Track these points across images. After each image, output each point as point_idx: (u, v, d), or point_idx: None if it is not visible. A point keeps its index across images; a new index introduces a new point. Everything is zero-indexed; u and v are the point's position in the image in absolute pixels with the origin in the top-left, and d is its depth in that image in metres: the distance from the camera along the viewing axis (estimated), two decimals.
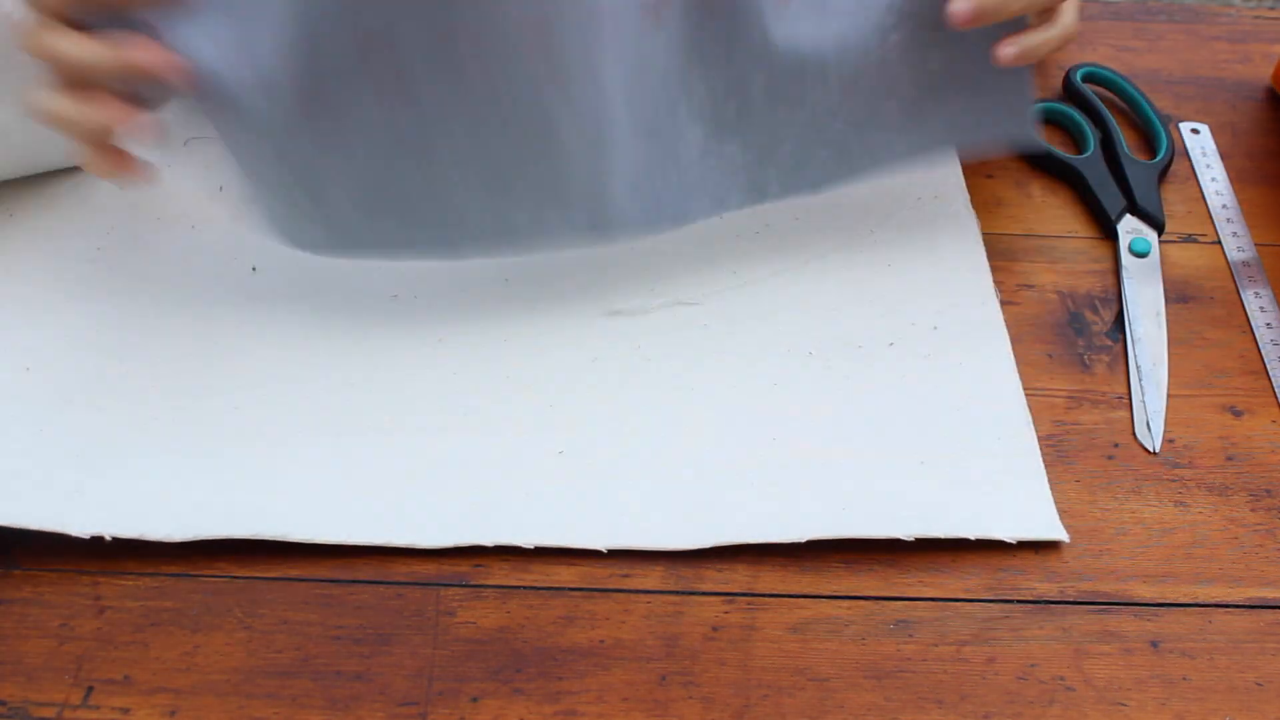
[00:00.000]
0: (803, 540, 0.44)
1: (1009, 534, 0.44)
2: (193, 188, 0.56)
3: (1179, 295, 0.54)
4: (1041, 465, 0.47)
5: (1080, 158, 0.59)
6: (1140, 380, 0.50)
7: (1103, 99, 0.62)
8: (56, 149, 0.54)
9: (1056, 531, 0.45)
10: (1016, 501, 0.45)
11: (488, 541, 0.44)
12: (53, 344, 0.49)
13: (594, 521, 0.44)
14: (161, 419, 0.47)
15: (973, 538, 0.44)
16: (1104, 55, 0.65)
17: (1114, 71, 0.63)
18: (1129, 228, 0.56)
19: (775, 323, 0.51)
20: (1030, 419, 0.48)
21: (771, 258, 0.54)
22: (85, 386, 0.48)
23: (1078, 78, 0.63)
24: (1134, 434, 0.48)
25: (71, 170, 0.56)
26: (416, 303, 0.52)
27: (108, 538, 0.43)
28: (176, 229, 0.54)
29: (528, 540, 0.44)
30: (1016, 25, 0.47)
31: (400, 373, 0.49)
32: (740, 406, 0.48)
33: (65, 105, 0.38)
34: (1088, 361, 0.51)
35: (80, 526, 0.43)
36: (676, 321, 0.51)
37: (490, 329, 0.51)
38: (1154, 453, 0.48)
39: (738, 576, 0.44)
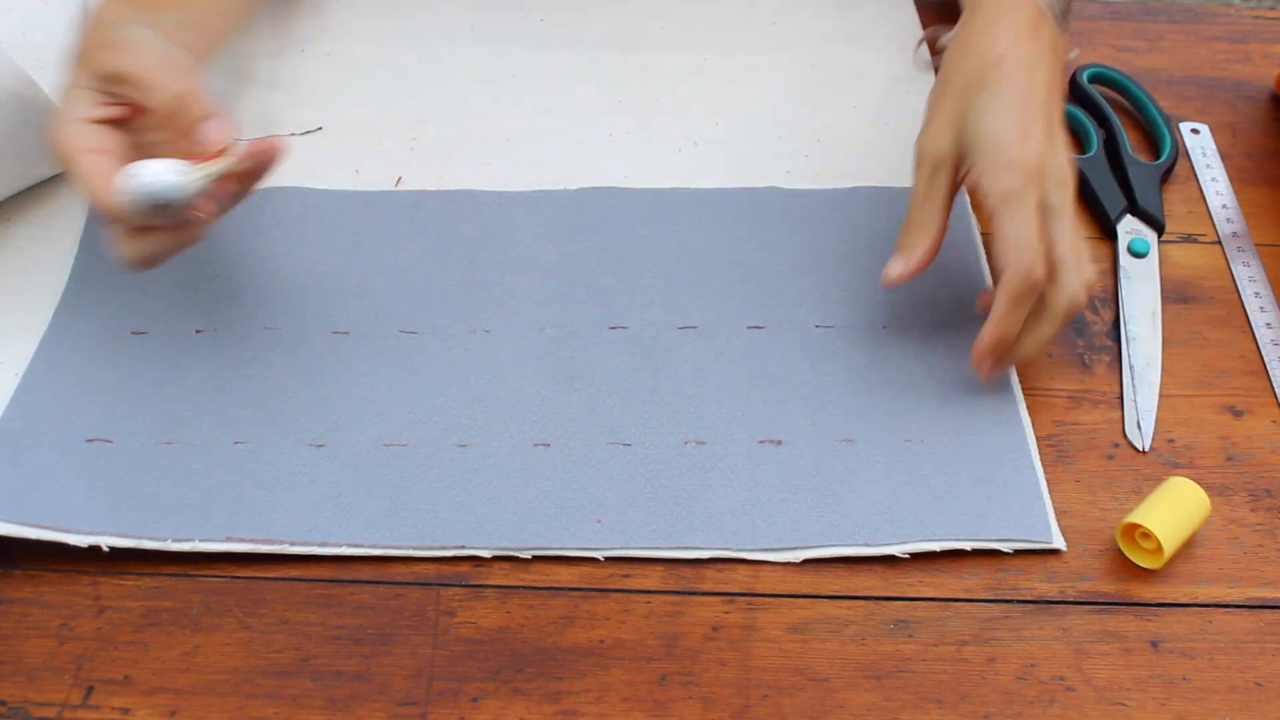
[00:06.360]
0: (798, 561, 0.44)
1: (1006, 541, 0.44)
2: None
3: (1179, 295, 0.54)
4: (1040, 472, 0.46)
5: (1083, 158, 0.58)
6: (1133, 380, 0.50)
7: (1109, 100, 0.62)
8: (48, 164, 0.55)
9: (1053, 539, 0.45)
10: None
11: (485, 553, 0.44)
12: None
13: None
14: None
15: (969, 548, 0.44)
16: (1104, 55, 0.65)
17: (1120, 73, 0.63)
18: (1129, 228, 0.56)
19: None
20: (1029, 423, 0.48)
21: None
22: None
23: (1084, 78, 0.63)
24: (1124, 433, 0.48)
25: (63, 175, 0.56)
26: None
27: (105, 548, 0.43)
28: None
29: (524, 547, 0.44)
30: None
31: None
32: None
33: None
34: (1088, 361, 0.51)
35: (78, 535, 0.43)
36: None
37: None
38: (1143, 451, 0.48)
39: (737, 576, 0.44)
